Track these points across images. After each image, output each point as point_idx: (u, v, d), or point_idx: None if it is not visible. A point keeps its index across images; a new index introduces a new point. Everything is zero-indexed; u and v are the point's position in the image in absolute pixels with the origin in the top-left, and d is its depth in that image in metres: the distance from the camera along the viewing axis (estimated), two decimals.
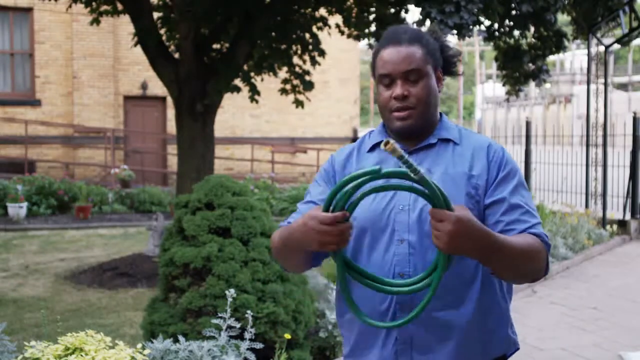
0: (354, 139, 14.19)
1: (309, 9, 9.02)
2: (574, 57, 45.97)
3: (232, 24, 8.45)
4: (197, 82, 8.16)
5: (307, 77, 9.65)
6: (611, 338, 5.55)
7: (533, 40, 9.45)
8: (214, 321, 3.31)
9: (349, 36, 9.87)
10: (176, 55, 8.64)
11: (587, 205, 11.09)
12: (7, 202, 12.04)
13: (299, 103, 9.86)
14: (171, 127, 15.17)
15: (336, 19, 9.86)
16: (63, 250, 9.51)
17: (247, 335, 3.26)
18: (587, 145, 11.19)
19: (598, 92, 11.29)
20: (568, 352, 5.20)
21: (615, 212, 11.04)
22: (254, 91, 9.45)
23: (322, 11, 9.50)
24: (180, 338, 3.36)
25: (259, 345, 3.34)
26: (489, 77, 55.28)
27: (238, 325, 3.30)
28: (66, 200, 12.96)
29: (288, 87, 9.85)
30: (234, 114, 18.27)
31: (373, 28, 9.44)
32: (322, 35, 9.74)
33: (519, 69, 9.53)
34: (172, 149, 15.10)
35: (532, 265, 1.73)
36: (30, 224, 11.56)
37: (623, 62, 49.14)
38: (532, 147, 11.59)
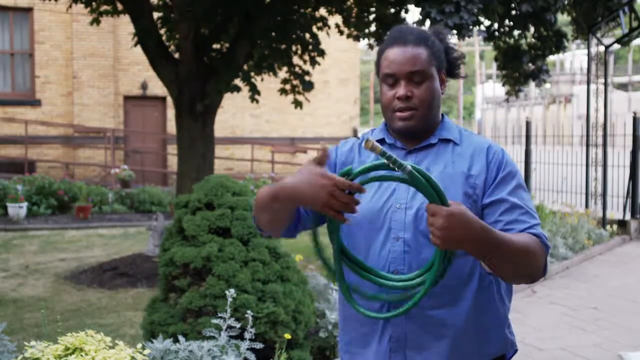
0: None
1: (309, 9, 9.02)
2: (574, 57, 45.99)
3: (232, 24, 8.45)
4: (197, 82, 8.16)
5: (306, 78, 9.65)
6: (611, 338, 5.55)
7: (533, 40, 9.45)
8: (214, 321, 3.32)
9: (348, 36, 9.87)
10: (176, 55, 8.64)
11: (587, 205, 11.10)
12: (7, 202, 12.04)
13: (297, 104, 9.86)
14: (171, 127, 15.18)
15: (336, 19, 9.86)
16: (63, 250, 9.51)
17: (247, 335, 3.26)
18: (587, 145, 11.19)
19: (598, 92, 11.30)
20: (568, 352, 5.20)
21: (615, 212, 11.05)
22: (254, 91, 9.45)
23: (322, 11, 9.50)
24: (180, 338, 3.36)
25: (259, 345, 3.34)
26: (489, 77, 55.30)
27: (238, 325, 3.30)
28: (66, 200, 12.97)
29: (288, 87, 9.85)
30: (234, 114, 18.27)
31: (373, 28, 9.44)
32: (322, 35, 9.75)
33: (519, 69, 9.52)
34: (172, 149, 15.10)
35: (530, 265, 1.73)
36: (30, 224, 11.56)
37: (623, 62, 49.15)
38: (532, 147, 11.59)
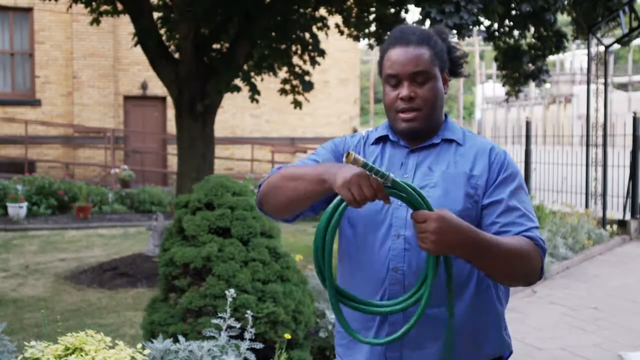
0: None
1: (309, 9, 9.02)
2: (574, 57, 45.96)
3: (232, 24, 8.45)
4: (197, 82, 8.16)
5: (306, 78, 9.65)
6: (611, 338, 5.55)
7: (533, 40, 9.46)
8: (214, 321, 3.32)
9: (348, 36, 9.87)
10: (176, 55, 8.64)
11: (587, 205, 11.10)
12: (7, 202, 12.04)
13: (297, 104, 9.86)
14: (171, 127, 15.17)
15: (336, 19, 9.86)
16: (63, 250, 9.51)
17: (247, 335, 3.26)
18: (587, 145, 11.19)
19: (598, 92, 11.30)
20: (568, 352, 5.20)
21: (615, 212, 11.05)
22: (254, 91, 9.45)
23: (322, 11, 9.50)
24: (180, 338, 3.36)
25: (259, 345, 3.34)
26: (489, 77, 55.27)
27: (238, 325, 3.30)
28: (66, 200, 12.97)
29: (287, 87, 9.85)
30: (234, 114, 18.26)
31: (373, 28, 9.44)
32: (322, 35, 9.75)
33: (519, 69, 9.53)
34: (172, 149, 15.09)
35: (523, 268, 1.72)
36: (30, 224, 11.56)
37: (623, 62, 49.14)
38: (532, 147, 11.59)
